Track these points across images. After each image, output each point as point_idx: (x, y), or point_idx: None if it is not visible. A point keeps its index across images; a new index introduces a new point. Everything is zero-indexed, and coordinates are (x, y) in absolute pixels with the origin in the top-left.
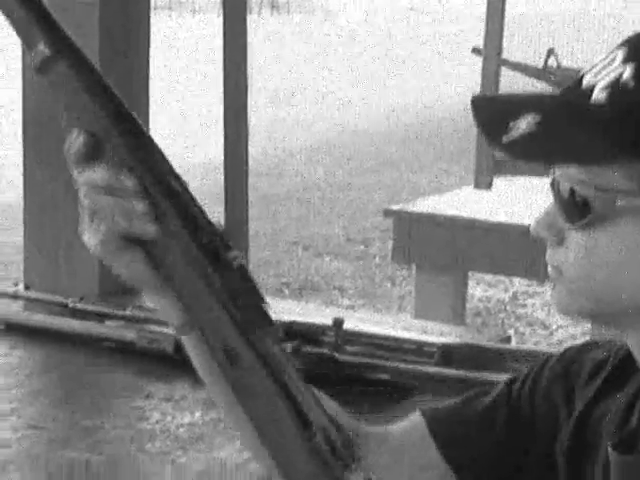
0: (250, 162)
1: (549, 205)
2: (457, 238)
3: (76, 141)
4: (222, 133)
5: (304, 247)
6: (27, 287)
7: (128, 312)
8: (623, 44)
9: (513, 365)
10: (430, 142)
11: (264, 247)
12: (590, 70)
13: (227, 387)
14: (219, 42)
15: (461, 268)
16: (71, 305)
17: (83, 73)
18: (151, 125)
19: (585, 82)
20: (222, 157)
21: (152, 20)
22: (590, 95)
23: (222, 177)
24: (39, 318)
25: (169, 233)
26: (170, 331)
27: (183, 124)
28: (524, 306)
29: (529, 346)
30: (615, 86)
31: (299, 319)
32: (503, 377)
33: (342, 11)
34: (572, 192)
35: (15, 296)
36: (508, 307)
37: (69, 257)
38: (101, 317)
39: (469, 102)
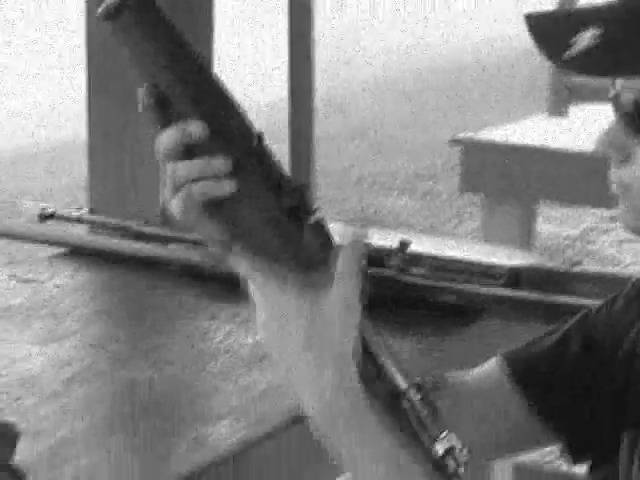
0: (315, 101)
1: (611, 121)
2: (527, 166)
3: (143, 100)
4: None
5: (370, 184)
6: (91, 211)
7: (193, 235)
8: None
9: (582, 287)
10: (500, 79)
11: (330, 185)
12: None
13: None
14: None
15: (531, 197)
16: (136, 228)
17: (151, 22)
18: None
19: None
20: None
21: None
22: None
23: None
24: (103, 241)
25: (248, 193)
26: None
27: (250, 59)
28: (594, 242)
29: (599, 268)
30: None
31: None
32: (572, 300)
33: None
34: (637, 104)
35: (79, 220)
36: (578, 243)
37: (134, 181)
38: (165, 240)
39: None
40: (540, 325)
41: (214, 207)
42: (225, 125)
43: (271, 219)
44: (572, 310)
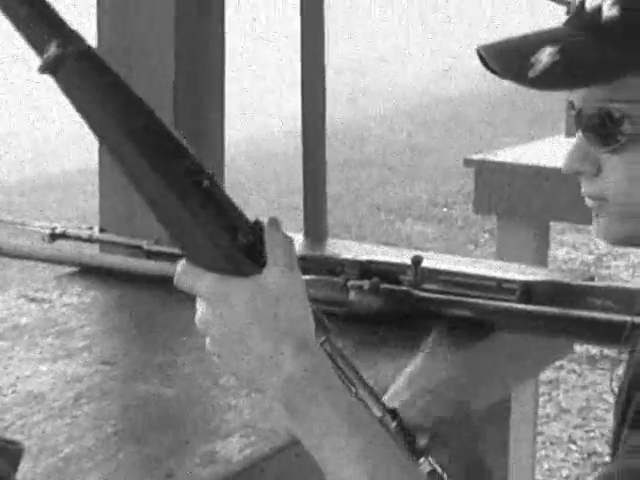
0: (332, 129)
1: (577, 138)
2: (541, 187)
3: None
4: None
5: (386, 210)
6: (102, 230)
7: None
8: None
9: (596, 302)
10: (515, 106)
11: (346, 211)
12: None
13: None
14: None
15: (545, 219)
16: (146, 247)
17: (91, 72)
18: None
19: (588, 6)
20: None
21: None
22: (600, 15)
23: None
24: (113, 259)
25: (200, 231)
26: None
27: (259, 85)
28: (608, 267)
29: (612, 283)
30: None
31: (378, 258)
32: (585, 313)
33: None
34: (602, 115)
35: (89, 239)
36: (592, 269)
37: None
38: (175, 258)
39: None
40: (553, 339)
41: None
42: (171, 167)
43: (227, 255)
44: (585, 324)
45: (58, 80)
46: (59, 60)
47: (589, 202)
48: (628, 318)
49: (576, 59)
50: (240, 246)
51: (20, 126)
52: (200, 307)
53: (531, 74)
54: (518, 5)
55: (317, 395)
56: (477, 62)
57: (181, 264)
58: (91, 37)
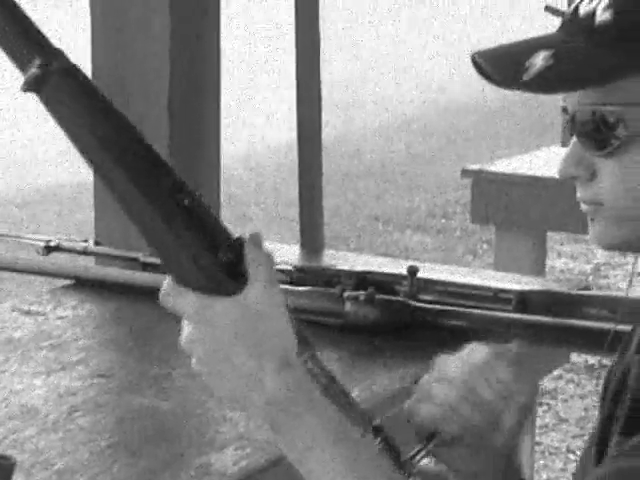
0: (330, 141)
1: (570, 144)
2: (538, 197)
3: None
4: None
5: (384, 221)
6: (97, 243)
7: None
8: None
9: (591, 311)
10: (514, 118)
11: (344, 222)
12: (582, 0)
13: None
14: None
15: (542, 228)
16: (142, 259)
17: (75, 90)
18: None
19: (582, 11)
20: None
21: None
22: (593, 19)
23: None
24: (108, 272)
25: (183, 249)
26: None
27: (256, 98)
28: (606, 277)
29: (608, 292)
30: (617, 3)
31: (374, 268)
32: (581, 323)
33: None
34: (596, 119)
35: (85, 252)
36: (590, 278)
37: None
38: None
39: None
40: (549, 348)
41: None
42: (152, 185)
43: (209, 275)
44: (581, 333)
45: (41, 98)
46: (42, 78)
47: (584, 207)
48: (612, 326)
49: (569, 62)
50: (221, 264)
51: (17, 138)
52: (185, 327)
53: (525, 78)
54: (517, 21)
55: (301, 412)
56: (475, 73)
57: (166, 283)
58: (86, 52)
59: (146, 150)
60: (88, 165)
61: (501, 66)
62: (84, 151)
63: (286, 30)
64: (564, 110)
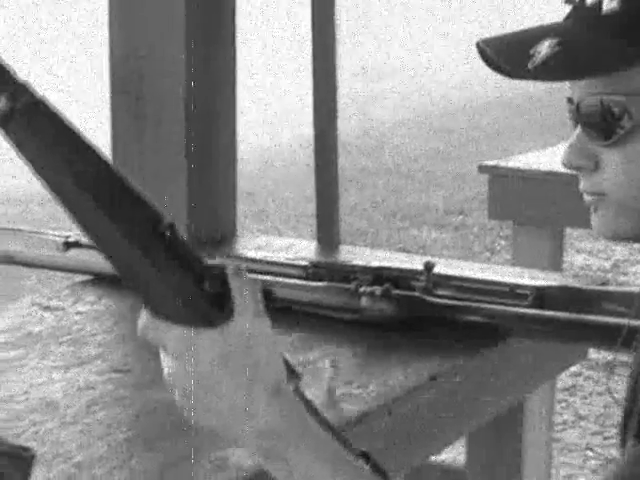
0: (347, 138)
1: (575, 133)
2: (554, 193)
3: None
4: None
5: (402, 218)
6: None
7: (216, 260)
8: None
9: (610, 307)
10: (531, 114)
11: (362, 218)
12: None
13: None
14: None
15: (560, 224)
16: None
17: (42, 126)
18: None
19: (589, 0)
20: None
21: None
22: (600, 8)
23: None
24: None
25: (165, 280)
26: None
27: (273, 94)
28: (626, 274)
29: (627, 288)
30: None
31: (390, 264)
32: (599, 319)
33: None
34: (601, 109)
35: None
36: (609, 275)
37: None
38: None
39: None
40: (567, 345)
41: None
42: (129, 217)
43: (193, 307)
44: (598, 329)
45: (8, 134)
46: (9, 114)
47: (587, 198)
48: (626, 321)
49: (575, 50)
50: (206, 296)
51: None
52: (167, 361)
53: (530, 65)
54: (538, 15)
55: (295, 442)
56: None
57: (144, 316)
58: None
59: (121, 182)
60: (59, 202)
61: (506, 54)
62: (55, 188)
63: (303, 23)
64: (569, 100)
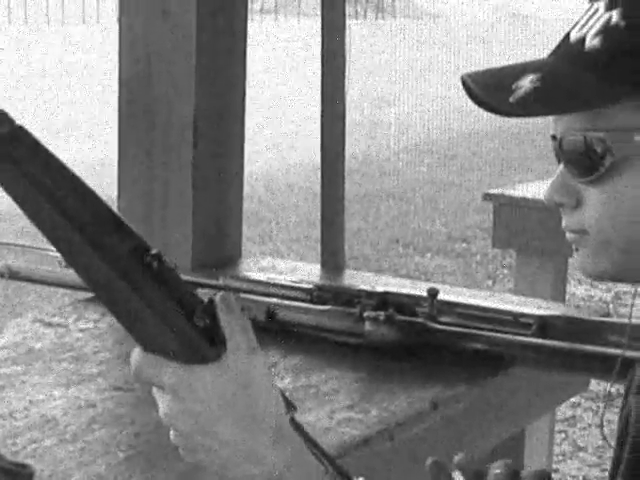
0: (352, 162)
1: (557, 170)
2: (558, 223)
3: None
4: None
5: (405, 244)
6: None
7: (220, 281)
8: None
9: (612, 338)
10: (531, 143)
11: (365, 244)
12: (574, 27)
13: None
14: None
15: (562, 254)
16: None
17: (26, 155)
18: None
19: (573, 37)
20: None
21: (257, 23)
22: (582, 45)
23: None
24: None
25: (154, 312)
26: (262, 299)
27: (282, 119)
28: (626, 305)
29: (627, 319)
30: (606, 30)
31: (394, 289)
32: (601, 350)
33: (447, 16)
34: (583, 145)
35: None
36: (610, 306)
37: (162, 228)
38: (193, 286)
39: None
40: (569, 375)
41: (122, 323)
42: (115, 249)
43: (185, 342)
44: (601, 360)
45: None
46: None
47: (569, 236)
48: (631, 353)
49: (556, 86)
50: (198, 330)
51: None
52: (162, 399)
53: (511, 100)
54: (538, 50)
55: None
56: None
57: (136, 353)
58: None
59: (106, 211)
60: (43, 233)
61: (489, 88)
62: (38, 218)
63: (312, 48)
64: (553, 137)
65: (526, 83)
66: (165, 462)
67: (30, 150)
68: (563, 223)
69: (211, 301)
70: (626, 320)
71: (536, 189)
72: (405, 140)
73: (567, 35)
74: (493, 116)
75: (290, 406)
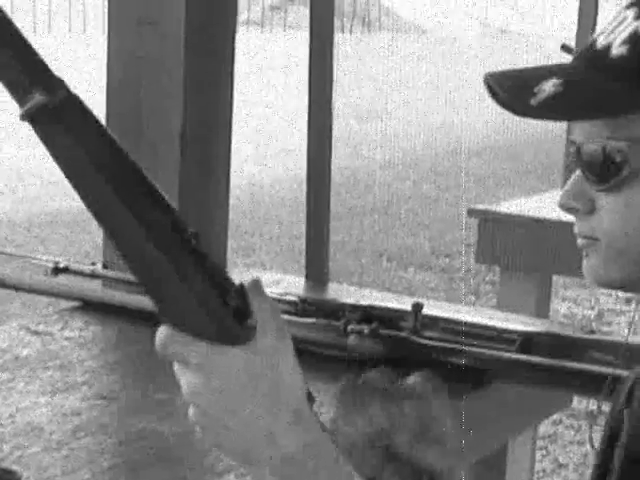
0: (337, 175)
1: (573, 176)
2: (543, 239)
3: None
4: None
5: (389, 258)
6: (105, 266)
7: None
8: (631, 5)
9: (596, 355)
10: (518, 159)
11: (349, 257)
12: (601, 33)
13: None
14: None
15: (546, 270)
16: None
17: (74, 126)
18: (237, 129)
19: (599, 44)
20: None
21: (244, 35)
22: (608, 53)
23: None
24: (115, 295)
25: (192, 292)
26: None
27: (268, 132)
28: (609, 324)
29: (613, 337)
30: (634, 39)
31: (378, 303)
32: (585, 366)
33: (434, 31)
34: (601, 153)
35: (93, 275)
36: (593, 324)
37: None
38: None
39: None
40: (551, 391)
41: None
42: (158, 223)
43: (218, 321)
44: (584, 377)
45: (39, 129)
46: (41, 109)
47: (580, 241)
48: (610, 371)
49: (579, 91)
50: (230, 311)
51: (26, 163)
52: (187, 376)
53: (533, 102)
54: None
55: (316, 468)
56: (483, 116)
57: (164, 330)
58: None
59: (150, 186)
60: (84, 201)
61: (510, 89)
62: (82, 185)
63: (300, 62)
64: (572, 142)
65: (549, 87)
66: (149, 471)
67: (84, 118)
68: (575, 229)
69: (242, 285)
70: (609, 337)
71: (521, 205)
72: (390, 154)
73: (593, 41)
74: (477, 132)
75: (310, 396)
